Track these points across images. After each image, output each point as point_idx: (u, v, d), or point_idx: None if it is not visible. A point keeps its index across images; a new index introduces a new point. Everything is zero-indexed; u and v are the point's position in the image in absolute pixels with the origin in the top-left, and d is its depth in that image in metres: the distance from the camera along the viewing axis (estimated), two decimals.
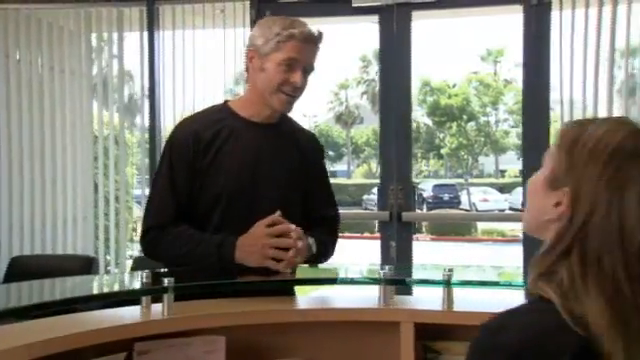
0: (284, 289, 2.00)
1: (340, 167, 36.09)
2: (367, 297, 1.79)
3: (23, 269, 4.06)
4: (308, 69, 2.05)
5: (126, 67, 4.81)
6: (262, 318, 1.70)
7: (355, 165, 35.06)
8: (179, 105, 4.55)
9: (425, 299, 1.83)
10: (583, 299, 0.96)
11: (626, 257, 0.96)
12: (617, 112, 4.03)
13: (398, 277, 1.81)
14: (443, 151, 27.31)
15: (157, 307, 1.68)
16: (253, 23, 4.21)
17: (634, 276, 0.96)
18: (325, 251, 2.15)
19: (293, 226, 1.93)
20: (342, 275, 2.34)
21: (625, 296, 0.95)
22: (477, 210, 22.80)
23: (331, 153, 36.82)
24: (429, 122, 27.55)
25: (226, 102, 2.19)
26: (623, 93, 4.11)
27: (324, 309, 1.77)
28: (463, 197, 23.97)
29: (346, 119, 33.92)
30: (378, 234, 4.70)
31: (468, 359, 1.01)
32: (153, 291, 1.62)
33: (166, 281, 1.63)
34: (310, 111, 39.66)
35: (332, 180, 2.26)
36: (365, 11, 4.28)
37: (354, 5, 4.23)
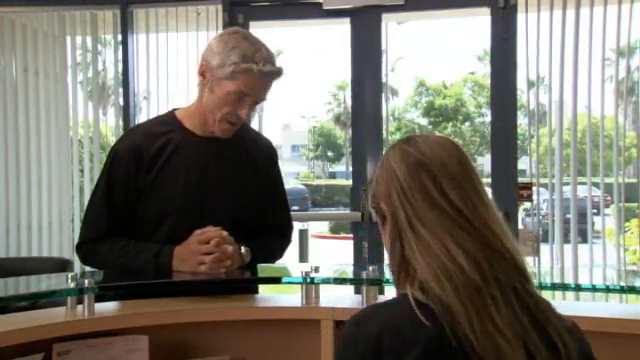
0: (247, 288, 2.04)
1: (339, 168, 36.14)
2: (296, 296, 1.83)
3: None
4: (259, 101, 2.02)
5: (101, 69, 4.84)
6: (184, 317, 1.73)
7: None
8: (153, 107, 4.59)
9: (349, 298, 1.86)
10: (422, 272, 1.09)
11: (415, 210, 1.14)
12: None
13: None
14: None
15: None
16: (225, 27, 4.24)
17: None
18: (269, 257, 2.16)
19: (225, 233, 1.95)
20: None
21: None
22: None
23: (330, 154, 36.91)
24: (424, 122, 27.63)
25: (174, 111, 2.14)
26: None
27: (246, 308, 1.80)
28: None
29: (345, 120, 33.96)
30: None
31: (337, 348, 1.11)
32: (71, 291, 1.65)
33: (86, 282, 1.66)
34: (309, 112, 39.89)
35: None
36: (336, 14, 4.31)
37: (325, 8, 4.25)
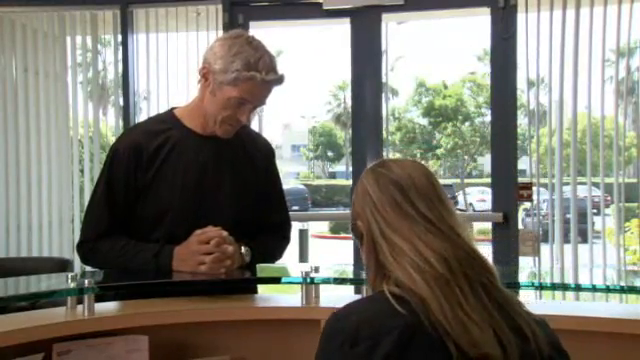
0: (247, 288, 2.04)
1: (339, 168, 36.15)
2: (296, 296, 1.83)
3: None
4: (259, 106, 2.03)
5: (101, 69, 4.84)
6: (184, 317, 1.73)
7: None
8: (153, 107, 4.59)
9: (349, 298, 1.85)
10: (395, 271, 1.17)
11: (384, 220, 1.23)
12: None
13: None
14: (439, 151, 27.34)
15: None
16: (226, 27, 4.24)
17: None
18: (269, 257, 2.16)
19: (225, 233, 1.95)
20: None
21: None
22: (474, 210, 22.91)
23: (330, 154, 36.91)
24: (424, 122, 27.65)
25: (173, 109, 2.15)
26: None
27: (246, 308, 1.80)
28: (460, 197, 24.09)
29: (345, 120, 33.95)
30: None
31: (319, 344, 1.16)
32: (71, 291, 1.65)
33: (86, 282, 1.66)
34: (309, 112, 39.90)
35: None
36: (336, 14, 4.30)
37: (325, 8, 4.25)
